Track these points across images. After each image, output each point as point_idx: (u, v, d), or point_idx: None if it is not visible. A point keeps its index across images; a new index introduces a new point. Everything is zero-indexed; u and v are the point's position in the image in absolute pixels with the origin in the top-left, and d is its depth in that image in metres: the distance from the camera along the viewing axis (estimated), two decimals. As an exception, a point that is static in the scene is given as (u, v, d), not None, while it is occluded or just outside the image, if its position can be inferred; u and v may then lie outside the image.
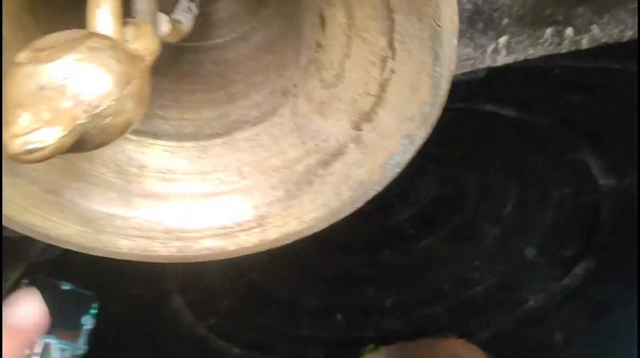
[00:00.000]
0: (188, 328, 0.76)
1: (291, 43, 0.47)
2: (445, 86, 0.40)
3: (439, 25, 0.37)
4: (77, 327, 1.09)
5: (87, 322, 1.09)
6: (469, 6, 0.71)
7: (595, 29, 0.74)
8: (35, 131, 0.29)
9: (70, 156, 0.42)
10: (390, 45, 0.40)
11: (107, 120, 0.31)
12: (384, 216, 0.78)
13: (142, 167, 0.47)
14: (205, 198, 0.50)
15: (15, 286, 1.13)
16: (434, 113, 0.42)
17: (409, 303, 0.73)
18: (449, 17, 0.37)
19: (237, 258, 0.91)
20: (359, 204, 0.47)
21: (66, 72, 0.30)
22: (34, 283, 1.07)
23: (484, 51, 0.70)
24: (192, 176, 0.48)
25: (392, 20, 0.39)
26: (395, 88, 0.42)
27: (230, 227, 0.48)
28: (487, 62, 0.71)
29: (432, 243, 0.76)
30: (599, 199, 0.71)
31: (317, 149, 0.47)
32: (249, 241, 0.49)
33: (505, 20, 0.70)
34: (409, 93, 0.41)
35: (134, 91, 0.31)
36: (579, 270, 0.67)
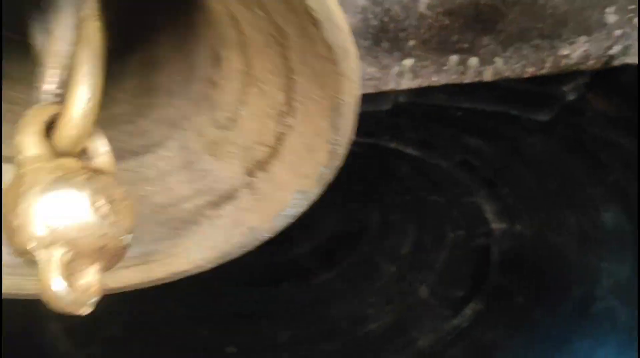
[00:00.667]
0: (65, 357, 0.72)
1: (181, 69, 0.46)
2: (342, 152, 0.40)
3: (340, 99, 0.37)
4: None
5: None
6: (374, 22, 0.70)
7: (499, 61, 0.76)
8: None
9: None
10: (289, 103, 0.39)
11: None
12: (283, 249, 0.77)
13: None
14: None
15: None
16: (330, 175, 0.42)
17: (304, 339, 0.73)
18: (351, 92, 0.37)
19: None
20: (249, 248, 0.47)
21: None
22: None
23: (388, 72, 0.70)
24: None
25: (292, 80, 0.38)
26: (291, 144, 0.42)
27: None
28: (391, 85, 0.71)
29: (330, 279, 0.76)
30: (490, 243, 0.73)
31: (206, 190, 0.46)
32: (131, 277, 0.47)
33: (412, 42, 0.70)
34: (305, 152, 0.41)
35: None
36: (468, 311, 0.69)
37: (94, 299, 0.31)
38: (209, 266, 0.47)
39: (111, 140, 0.45)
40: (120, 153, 0.48)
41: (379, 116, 0.85)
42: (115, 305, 0.78)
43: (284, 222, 0.45)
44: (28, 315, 0.79)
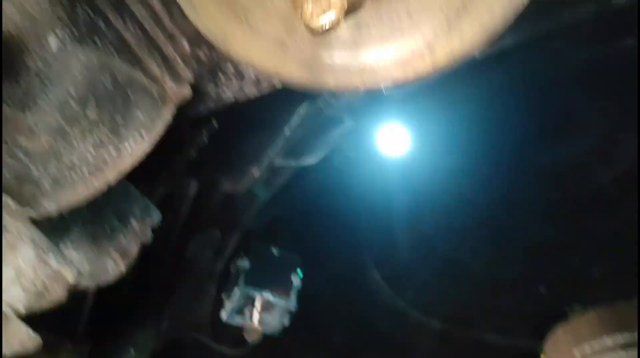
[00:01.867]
0: (387, 302, 0.77)
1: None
2: None
3: None
4: (288, 284, 1.24)
5: (296, 281, 1.23)
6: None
7: None
8: (322, 15, 0.51)
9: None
10: None
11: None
12: (581, 179, 0.76)
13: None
14: (386, 37, 0.62)
15: (233, 257, 1.29)
16: None
17: (622, 273, 0.70)
18: None
19: (427, 231, 0.99)
20: (510, 18, 0.55)
21: None
22: (249, 248, 1.25)
23: None
24: (373, 21, 0.60)
25: None
26: None
27: (408, 57, 0.58)
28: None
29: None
30: None
31: None
32: (423, 67, 0.59)
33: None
34: None
35: None
36: None
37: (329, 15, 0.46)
38: (481, 45, 0.56)
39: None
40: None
41: None
42: (422, 254, 0.82)
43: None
44: (350, 265, 0.87)
